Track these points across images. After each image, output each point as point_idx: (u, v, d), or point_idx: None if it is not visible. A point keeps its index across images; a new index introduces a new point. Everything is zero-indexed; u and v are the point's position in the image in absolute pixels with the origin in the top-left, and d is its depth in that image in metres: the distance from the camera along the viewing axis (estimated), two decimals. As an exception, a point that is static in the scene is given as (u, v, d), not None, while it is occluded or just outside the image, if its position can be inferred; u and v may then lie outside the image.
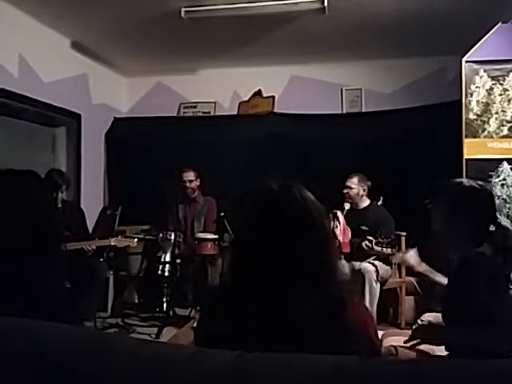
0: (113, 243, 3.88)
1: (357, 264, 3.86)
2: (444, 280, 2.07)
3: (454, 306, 1.77)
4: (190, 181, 4.71)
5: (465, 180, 1.94)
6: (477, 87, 3.62)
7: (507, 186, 3.50)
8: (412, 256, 2.29)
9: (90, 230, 4.35)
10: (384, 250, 3.60)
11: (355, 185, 4.14)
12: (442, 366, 0.70)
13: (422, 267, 2.24)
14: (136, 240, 4.05)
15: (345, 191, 4.15)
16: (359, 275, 3.75)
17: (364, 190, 4.18)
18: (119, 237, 4.00)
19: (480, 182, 1.90)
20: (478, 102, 3.62)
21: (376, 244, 3.63)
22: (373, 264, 3.84)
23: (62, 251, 1.48)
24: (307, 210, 1.14)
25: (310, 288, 1.05)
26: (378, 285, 3.77)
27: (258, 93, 5.52)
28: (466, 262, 1.75)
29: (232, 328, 1.07)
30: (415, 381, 0.66)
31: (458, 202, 1.85)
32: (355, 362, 0.71)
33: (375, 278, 3.74)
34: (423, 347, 1.98)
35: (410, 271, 3.31)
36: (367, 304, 3.67)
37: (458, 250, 1.84)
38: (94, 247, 3.73)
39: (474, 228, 1.79)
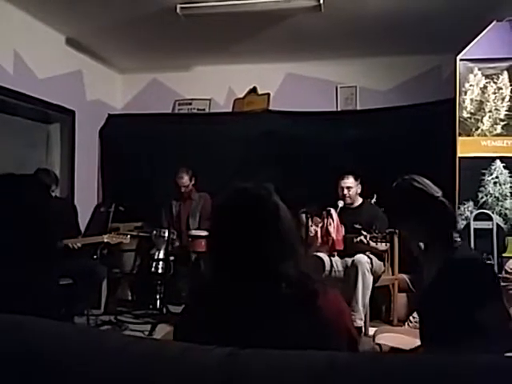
0: (106, 240, 3.87)
1: (350, 259, 3.87)
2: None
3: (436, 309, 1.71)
4: (185, 181, 4.71)
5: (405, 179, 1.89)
6: (471, 85, 3.64)
7: (500, 184, 3.52)
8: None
9: (84, 226, 4.35)
10: (378, 244, 3.62)
11: (354, 184, 4.17)
12: (427, 362, 0.71)
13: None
14: (129, 237, 4.04)
15: (344, 191, 4.16)
16: (352, 267, 3.76)
17: (359, 189, 4.21)
18: (112, 234, 3.99)
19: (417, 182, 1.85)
20: (471, 100, 3.63)
21: (371, 239, 3.64)
22: (368, 256, 3.86)
23: (57, 250, 1.49)
24: (273, 207, 1.19)
25: (281, 282, 1.08)
26: (371, 276, 3.76)
27: (254, 90, 5.52)
28: (454, 266, 1.70)
29: (208, 325, 1.08)
30: (403, 375, 0.67)
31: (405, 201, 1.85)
32: (346, 357, 0.71)
33: (368, 268, 3.74)
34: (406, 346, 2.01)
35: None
36: (359, 295, 3.67)
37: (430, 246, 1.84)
38: (80, 245, 3.70)
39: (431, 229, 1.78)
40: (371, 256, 3.88)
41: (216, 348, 0.72)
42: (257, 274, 1.10)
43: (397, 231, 4.06)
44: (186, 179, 4.71)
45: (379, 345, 2.30)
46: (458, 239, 1.77)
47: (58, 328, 0.78)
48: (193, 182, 4.77)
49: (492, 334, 1.58)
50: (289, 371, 0.68)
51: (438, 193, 1.81)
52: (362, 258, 3.80)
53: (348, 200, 4.16)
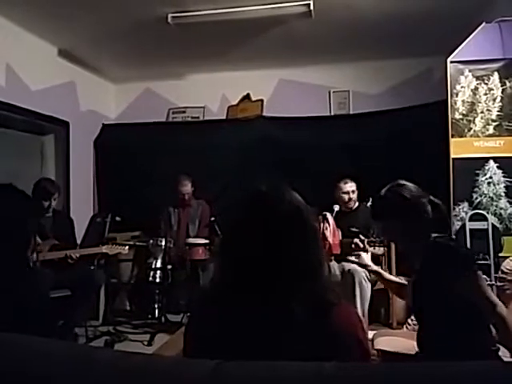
0: (104, 251, 3.87)
1: (347, 265, 3.87)
2: (399, 280, 2.29)
3: (424, 300, 1.84)
4: (188, 189, 4.71)
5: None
6: (462, 87, 3.66)
7: (494, 184, 3.54)
8: (367, 257, 2.49)
9: (80, 237, 4.33)
10: (376, 249, 3.62)
11: (353, 188, 4.19)
12: (419, 369, 0.71)
13: (375, 267, 2.44)
14: (127, 247, 4.04)
15: (350, 195, 4.18)
16: (349, 276, 3.76)
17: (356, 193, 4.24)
18: (110, 244, 3.99)
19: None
20: (463, 101, 3.65)
21: (368, 243, 3.64)
22: (364, 264, 3.86)
23: (33, 262, 1.47)
24: (295, 210, 1.14)
25: (298, 289, 1.04)
26: (369, 284, 3.77)
27: (247, 96, 5.54)
28: (426, 254, 1.83)
29: (220, 331, 1.06)
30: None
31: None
32: (334, 367, 0.71)
33: (365, 277, 3.75)
34: (405, 349, 2.02)
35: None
36: (358, 304, 3.68)
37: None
38: (78, 255, 3.70)
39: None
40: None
41: (202, 361, 0.72)
42: (275, 278, 1.05)
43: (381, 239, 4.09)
44: (188, 186, 4.72)
45: (377, 350, 2.30)
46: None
47: (42, 345, 0.77)
48: (193, 188, 4.77)
49: (472, 308, 1.70)
50: (277, 381, 0.67)
51: (425, 197, 1.87)
52: (357, 266, 3.79)
53: (351, 204, 4.19)
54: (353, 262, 2.54)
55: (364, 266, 2.48)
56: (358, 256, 2.51)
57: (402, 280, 2.31)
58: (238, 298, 1.07)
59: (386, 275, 2.37)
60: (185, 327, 1.20)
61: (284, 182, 1.24)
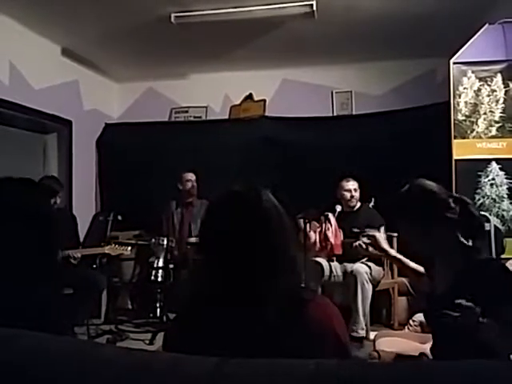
0: (106, 251, 3.88)
1: (349, 266, 3.88)
2: (418, 268, 2.02)
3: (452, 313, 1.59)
4: (191, 184, 4.71)
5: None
6: (465, 88, 3.66)
7: (496, 186, 3.53)
8: (383, 240, 2.23)
9: (82, 236, 4.34)
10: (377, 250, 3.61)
11: (355, 187, 4.19)
12: (420, 370, 0.71)
13: (393, 251, 2.21)
14: (129, 248, 4.05)
15: (352, 193, 4.18)
16: (351, 277, 3.76)
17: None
18: (112, 244, 4.00)
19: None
20: (466, 103, 3.65)
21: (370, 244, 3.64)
22: (366, 265, 3.86)
23: (58, 260, 1.46)
24: (273, 210, 1.15)
25: (273, 288, 1.06)
26: (371, 286, 3.78)
27: (249, 96, 5.54)
28: (477, 270, 1.62)
29: (199, 331, 1.08)
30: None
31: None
32: (333, 365, 0.71)
33: (367, 278, 3.75)
34: (407, 350, 2.00)
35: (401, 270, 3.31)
36: (359, 304, 3.68)
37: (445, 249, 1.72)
38: (80, 255, 3.70)
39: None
40: (370, 264, 3.88)
41: (204, 358, 0.72)
42: (242, 293, 1.07)
43: (395, 234, 4.08)
44: (190, 183, 4.72)
45: (378, 351, 2.29)
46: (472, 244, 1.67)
47: (45, 341, 0.77)
48: (196, 187, 4.77)
49: None
50: (275, 380, 0.67)
51: (451, 197, 1.71)
52: (360, 267, 3.80)
53: (353, 202, 4.18)
54: (367, 246, 2.30)
55: (381, 250, 2.22)
56: (373, 237, 2.25)
57: (420, 268, 2.03)
58: (214, 298, 1.08)
59: (407, 261, 2.10)
60: (167, 329, 1.23)
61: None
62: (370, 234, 2.29)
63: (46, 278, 1.33)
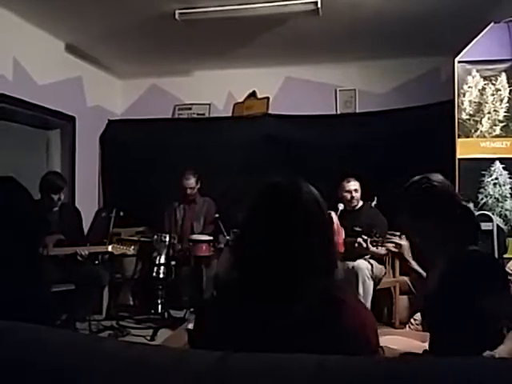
0: (110, 250, 3.88)
1: (350, 264, 3.87)
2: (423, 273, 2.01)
3: (445, 307, 1.66)
4: (192, 183, 4.71)
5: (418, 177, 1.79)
6: (469, 87, 3.64)
7: (499, 185, 3.52)
8: (407, 249, 2.18)
9: (85, 232, 4.35)
10: (379, 248, 3.62)
11: (359, 186, 4.19)
12: (423, 366, 0.71)
13: (416, 264, 2.16)
14: (132, 247, 4.06)
15: (352, 194, 4.17)
16: (353, 273, 3.76)
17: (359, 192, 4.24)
18: (115, 242, 4.00)
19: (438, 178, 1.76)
20: (470, 101, 3.63)
21: (371, 243, 3.64)
22: (368, 262, 3.86)
23: (41, 256, 1.45)
24: (314, 202, 1.11)
25: (310, 286, 1.02)
26: (372, 282, 3.77)
27: (253, 94, 5.53)
28: (462, 261, 1.67)
29: (230, 327, 1.05)
30: (396, 380, 0.67)
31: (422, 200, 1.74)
32: (337, 361, 0.71)
33: (368, 275, 3.75)
34: (409, 348, 2.00)
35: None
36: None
37: (446, 250, 1.74)
38: (87, 252, 3.70)
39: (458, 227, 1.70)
40: (371, 261, 3.88)
41: (207, 352, 0.72)
42: (291, 273, 1.03)
43: (398, 233, 4.07)
44: (192, 181, 4.72)
45: (382, 348, 2.28)
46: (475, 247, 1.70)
47: (43, 334, 0.77)
48: (198, 185, 4.77)
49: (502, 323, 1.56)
50: (278, 375, 0.67)
51: (458, 196, 1.73)
52: (362, 264, 3.80)
53: (354, 202, 4.18)
54: (393, 252, 2.27)
55: (403, 260, 2.16)
56: (399, 246, 2.19)
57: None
58: (250, 294, 1.05)
59: (423, 274, 2.04)
60: (193, 324, 1.17)
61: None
62: (397, 242, 2.23)
63: (25, 275, 1.33)
